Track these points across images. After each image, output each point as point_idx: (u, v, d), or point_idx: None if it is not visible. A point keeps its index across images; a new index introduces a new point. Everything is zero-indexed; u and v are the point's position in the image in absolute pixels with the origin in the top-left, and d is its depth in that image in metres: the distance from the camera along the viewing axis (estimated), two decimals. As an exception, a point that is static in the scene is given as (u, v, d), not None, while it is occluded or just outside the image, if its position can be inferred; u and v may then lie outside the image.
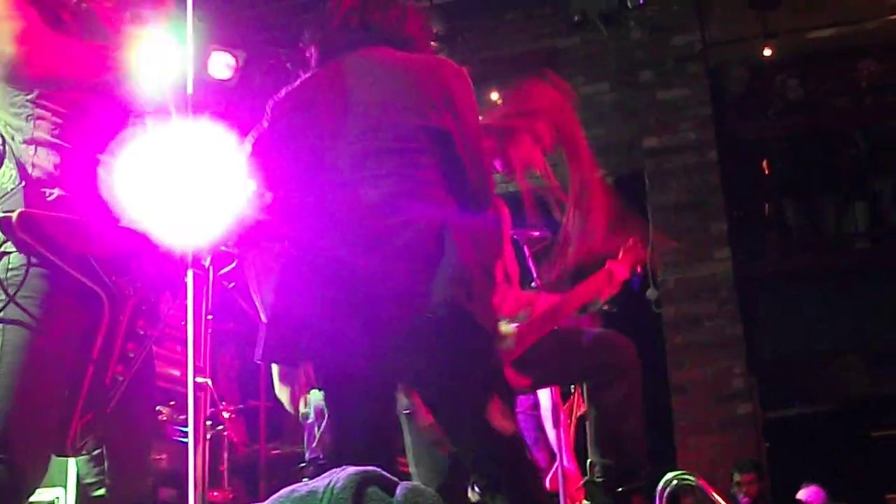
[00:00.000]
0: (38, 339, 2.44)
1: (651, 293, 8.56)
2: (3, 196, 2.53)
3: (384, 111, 2.78)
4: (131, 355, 2.59)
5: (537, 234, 4.52)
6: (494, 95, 9.72)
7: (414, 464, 3.58)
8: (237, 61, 7.04)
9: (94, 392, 2.49)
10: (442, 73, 2.91)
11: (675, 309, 8.53)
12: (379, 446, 2.76)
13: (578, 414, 5.85)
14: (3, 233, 2.44)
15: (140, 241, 2.61)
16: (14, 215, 2.41)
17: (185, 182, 2.91)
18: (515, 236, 4.55)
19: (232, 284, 4.80)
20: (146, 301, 2.65)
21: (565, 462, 5.26)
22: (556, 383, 4.11)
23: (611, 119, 9.40)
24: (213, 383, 5.09)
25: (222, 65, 6.95)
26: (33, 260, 2.46)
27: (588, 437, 3.72)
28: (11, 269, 2.47)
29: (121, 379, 2.56)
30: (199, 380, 4.83)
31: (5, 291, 2.41)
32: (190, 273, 3.06)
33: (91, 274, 2.49)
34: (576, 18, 9.12)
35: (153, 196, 2.71)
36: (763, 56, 9.40)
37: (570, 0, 9.02)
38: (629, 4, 8.97)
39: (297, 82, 3.05)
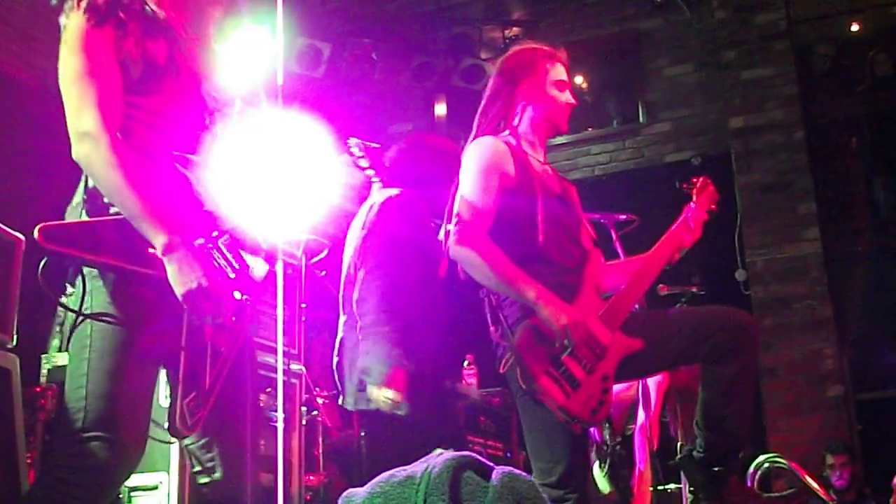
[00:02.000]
0: (124, 329, 2.55)
1: (740, 274, 8.54)
2: (71, 209, 2.67)
3: None
4: (229, 323, 2.62)
5: (623, 217, 4.53)
6: (579, 79, 9.75)
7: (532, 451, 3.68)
8: (324, 53, 7.14)
9: (191, 374, 2.55)
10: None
11: (764, 290, 8.46)
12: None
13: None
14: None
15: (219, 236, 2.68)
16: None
17: (275, 173, 2.98)
18: (602, 220, 4.55)
19: (323, 273, 4.86)
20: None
21: (640, 465, 5.29)
22: (673, 366, 4.12)
23: (696, 100, 9.34)
24: (306, 370, 5.18)
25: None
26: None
27: (697, 411, 3.72)
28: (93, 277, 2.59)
29: (223, 350, 2.61)
30: (294, 367, 4.92)
31: (116, 310, 2.54)
32: (280, 263, 3.14)
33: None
34: (658, 0, 9.09)
35: (243, 188, 2.78)
36: (850, 32, 9.24)
37: (654, -19, 9.00)
38: (712, -16, 8.93)
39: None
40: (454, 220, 3.67)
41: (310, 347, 5.62)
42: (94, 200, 2.62)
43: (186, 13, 2.85)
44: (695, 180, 4.25)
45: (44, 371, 5.02)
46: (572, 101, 3.97)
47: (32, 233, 2.34)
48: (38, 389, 4.86)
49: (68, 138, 2.61)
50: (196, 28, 2.86)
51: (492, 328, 3.75)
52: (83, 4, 2.62)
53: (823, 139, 9.15)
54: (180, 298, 2.49)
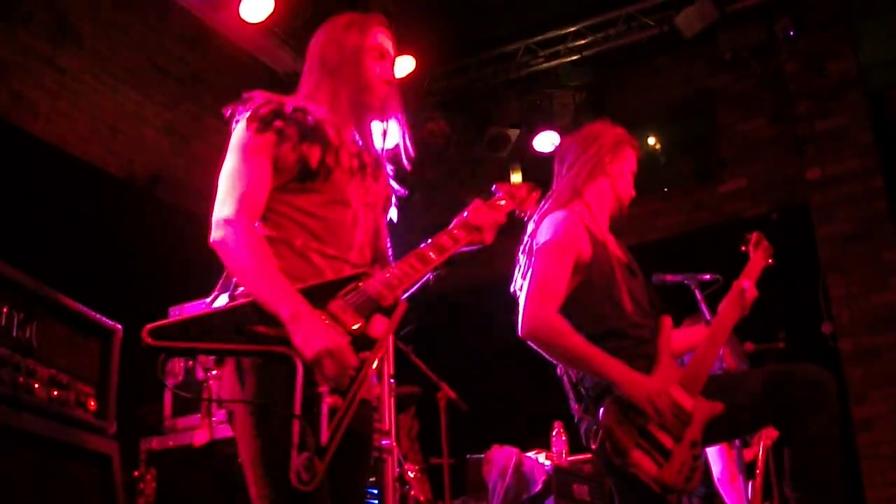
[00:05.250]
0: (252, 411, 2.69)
1: (827, 327, 8.41)
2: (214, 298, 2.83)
3: None
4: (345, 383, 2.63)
5: (707, 277, 4.53)
6: (651, 140, 9.77)
7: None
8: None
9: (303, 436, 2.52)
10: None
11: (853, 342, 8.32)
12: None
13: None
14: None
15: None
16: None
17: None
18: (686, 281, 4.56)
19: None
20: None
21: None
22: (756, 427, 4.10)
23: (771, 154, 9.29)
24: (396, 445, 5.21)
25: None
26: None
27: (785, 472, 3.68)
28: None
29: (338, 407, 2.59)
30: (385, 443, 4.96)
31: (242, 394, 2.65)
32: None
33: (277, 337, 2.62)
34: (727, 56, 9.10)
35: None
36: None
37: (720, 38, 9.01)
38: (780, 36, 8.91)
39: None
40: (526, 298, 3.70)
41: (398, 421, 5.66)
42: (226, 286, 2.81)
43: (344, 119, 3.09)
44: (748, 236, 4.27)
45: (142, 456, 5.12)
46: (633, 193, 4.13)
47: (124, 329, 2.40)
48: (136, 474, 4.96)
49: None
50: (352, 134, 3.10)
51: (574, 405, 3.76)
52: (248, 114, 2.93)
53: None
54: (308, 361, 2.55)
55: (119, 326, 4.03)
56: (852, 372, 8.18)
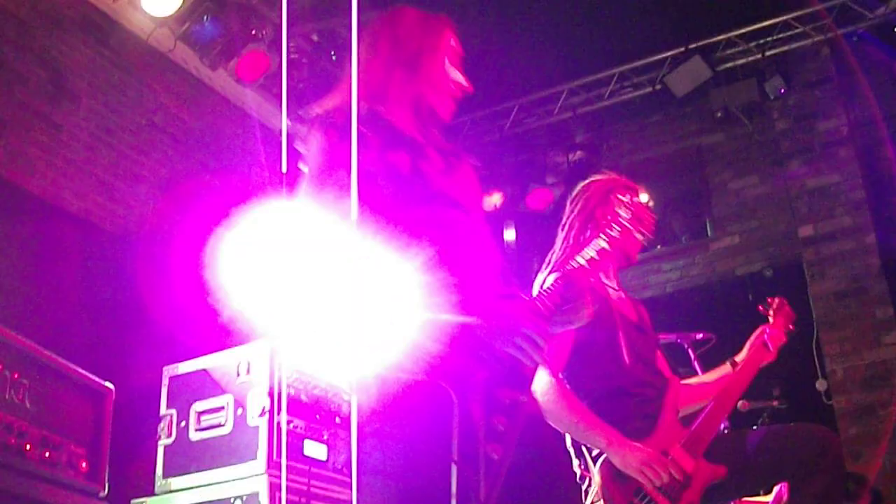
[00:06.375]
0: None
1: (821, 384, 8.39)
2: None
3: None
4: (501, 428, 2.35)
5: (700, 336, 4.54)
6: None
7: None
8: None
9: (464, 487, 2.25)
10: None
11: (847, 399, 8.30)
12: None
13: None
14: None
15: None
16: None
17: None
18: (679, 339, 4.57)
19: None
20: (498, 368, 2.43)
21: None
22: (758, 488, 4.09)
23: (763, 211, 9.34)
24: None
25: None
26: None
27: None
28: None
29: (496, 458, 2.31)
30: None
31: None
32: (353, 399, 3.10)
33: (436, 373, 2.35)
34: (718, 114, 9.17)
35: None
36: (913, 132, 9.22)
37: (712, 96, 9.08)
38: (770, 95, 8.99)
39: None
40: None
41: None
42: None
43: (420, 119, 2.75)
44: (770, 301, 4.25)
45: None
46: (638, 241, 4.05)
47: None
48: (128, 534, 4.92)
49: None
50: (431, 132, 2.77)
51: (575, 461, 3.75)
52: (320, 122, 2.59)
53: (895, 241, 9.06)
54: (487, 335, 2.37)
55: (111, 387, 4.02)
56: (847, 429, 8.16)
